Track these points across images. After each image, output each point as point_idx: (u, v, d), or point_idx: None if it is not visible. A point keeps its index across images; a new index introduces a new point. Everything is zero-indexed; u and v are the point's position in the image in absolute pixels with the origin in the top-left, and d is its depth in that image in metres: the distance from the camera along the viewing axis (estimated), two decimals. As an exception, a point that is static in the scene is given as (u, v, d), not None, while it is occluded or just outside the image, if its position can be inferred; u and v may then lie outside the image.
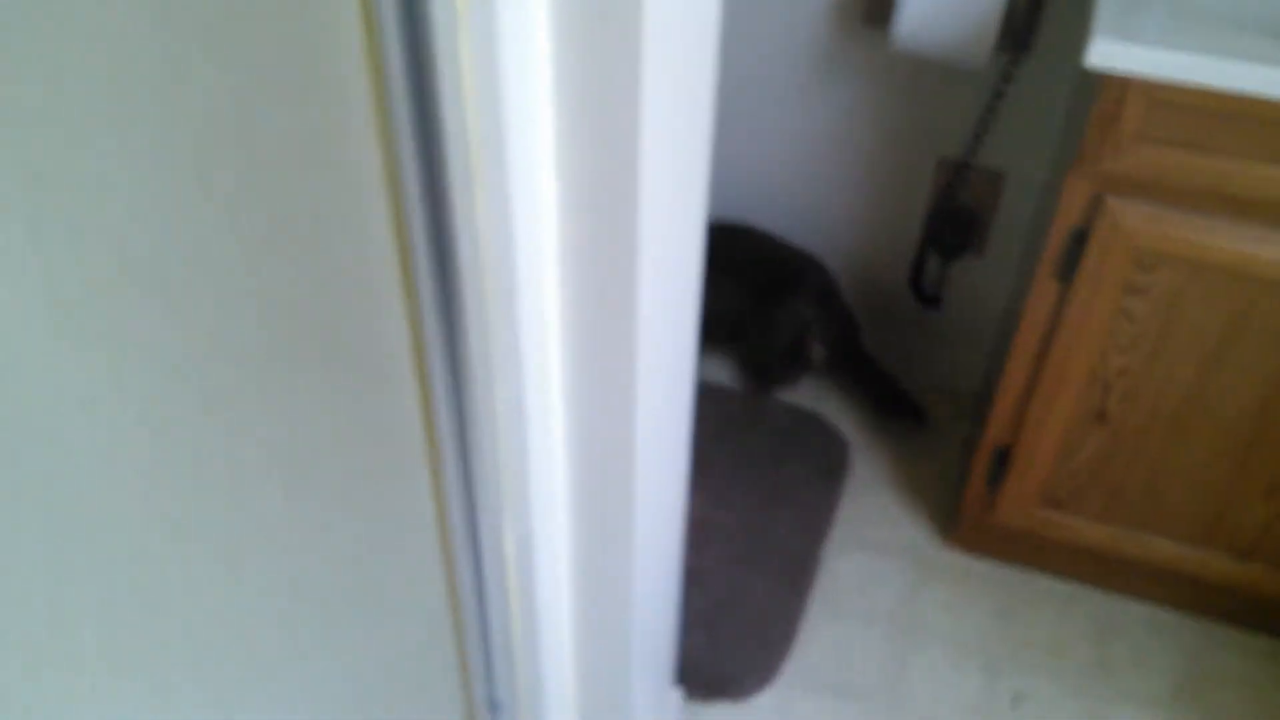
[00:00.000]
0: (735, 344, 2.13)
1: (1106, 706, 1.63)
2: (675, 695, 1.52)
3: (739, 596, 1.73)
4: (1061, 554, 1.74)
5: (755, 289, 2.01)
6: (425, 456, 0.90)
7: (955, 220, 1.88)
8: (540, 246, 0.84)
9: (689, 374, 1.10)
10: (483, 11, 0.67)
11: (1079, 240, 1.37)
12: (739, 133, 1.97)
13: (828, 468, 1.96)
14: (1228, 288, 1.35)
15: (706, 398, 2.08)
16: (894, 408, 2.05)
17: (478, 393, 0.89)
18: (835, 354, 2.06)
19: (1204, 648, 1.71)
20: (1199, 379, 1.43)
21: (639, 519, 1.04)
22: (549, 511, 1.04)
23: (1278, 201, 1.27)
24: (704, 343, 1.92)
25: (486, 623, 1.08)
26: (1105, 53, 1.17)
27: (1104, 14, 1.22)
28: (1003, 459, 1.63)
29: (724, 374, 2.17)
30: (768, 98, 1.90)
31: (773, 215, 2.05)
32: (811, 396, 2.12)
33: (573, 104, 0.76)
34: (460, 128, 0.72)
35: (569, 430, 0.99)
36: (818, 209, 2.00)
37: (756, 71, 1.87)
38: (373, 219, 0.76)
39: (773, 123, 1.92)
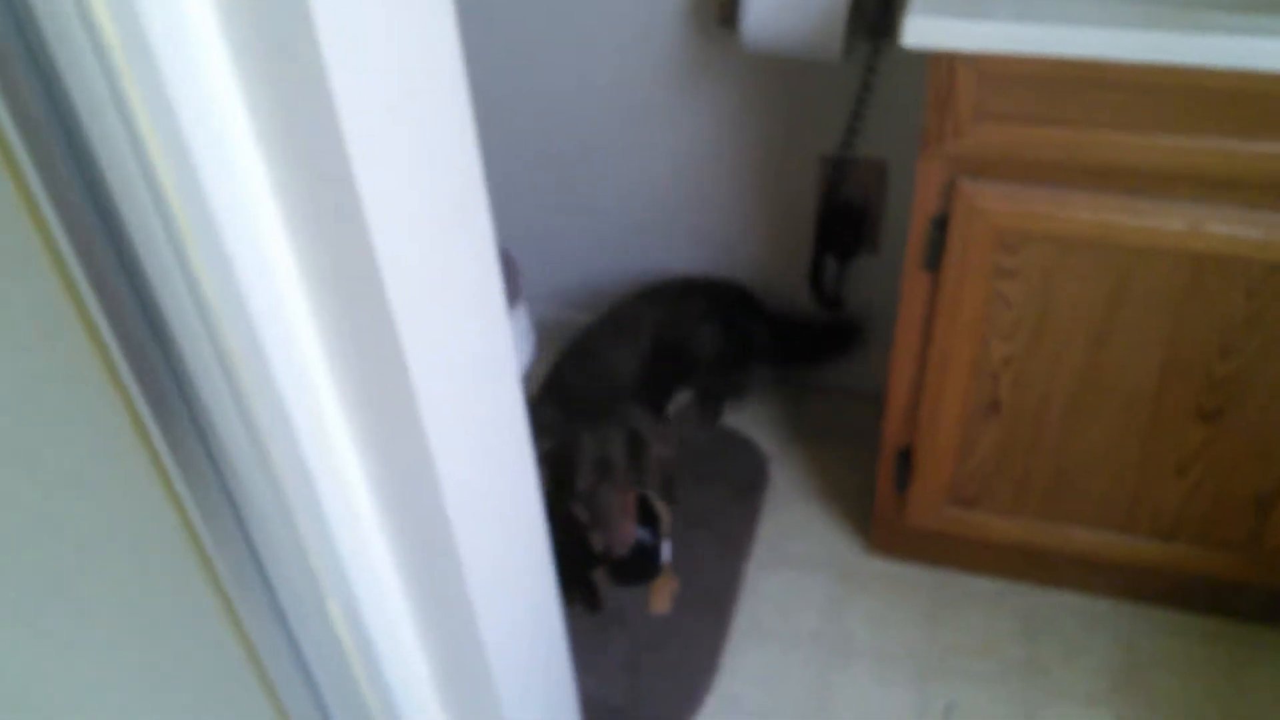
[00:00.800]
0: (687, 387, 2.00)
1: (1042, 708, 1.55)
2: (584, 746, 1.45)
3: (661, 632, 1.66)
4: (983, 551, 1.68)
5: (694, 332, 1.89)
6: (189, 544, 0.83)
7: (846, 218, 1.82)
8: (280, 299, 0.78)
9: (519, 424, 1.04)
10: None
11: (940, 227, 1.31)
12: (608, 158, 1.91)
13: (747, 484, 1.90)
14: (1099, 261, 1.29)
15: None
16: (835, 344, 1.97)
17: (240, 467, 0.82)
18: (775, 359, 2.00)
19: (1138, 634, 1.64)
20: (1088, 358, 1.37)
21: (470, 577, 0.97)
22: (373, 579, 0.97)
23: (1133, 167, 1.21)
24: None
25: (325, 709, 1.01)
26: (921, 30, 1.11)
27: (924, -10, 1.17)
28: (905, 460, 1.57)
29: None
30: (632, 115, 1.84)
31: (661, 243, 1.99)
32: (726, 409, 2.05)
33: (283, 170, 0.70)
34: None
35: (371, 490, 0.92)
36: (708, 227, 1.95)
37: (616, 88, 1.81)
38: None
39: (643, 140, 1.87)
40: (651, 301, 1.87)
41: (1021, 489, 1.53)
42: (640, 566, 1.68)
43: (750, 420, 2.03)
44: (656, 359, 1.81)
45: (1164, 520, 1.50)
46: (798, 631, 1.68)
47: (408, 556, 0.98)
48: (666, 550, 1.67)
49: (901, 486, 1.60)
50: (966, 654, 1.63)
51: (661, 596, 1.67)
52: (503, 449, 1.02)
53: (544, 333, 2.17)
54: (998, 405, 1.45)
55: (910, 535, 1.69)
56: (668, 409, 1.90)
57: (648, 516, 1.62)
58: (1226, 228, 1.21)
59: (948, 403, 1.46)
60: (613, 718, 1.55)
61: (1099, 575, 1.65)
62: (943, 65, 1.17)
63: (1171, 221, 1.23)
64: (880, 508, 1.67)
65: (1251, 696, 1.54)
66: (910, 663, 1.63)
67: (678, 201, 1.93)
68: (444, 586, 0.99)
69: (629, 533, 1.53)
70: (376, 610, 0.99)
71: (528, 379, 1.64)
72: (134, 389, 0.73)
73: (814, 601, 1.72)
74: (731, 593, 1.72)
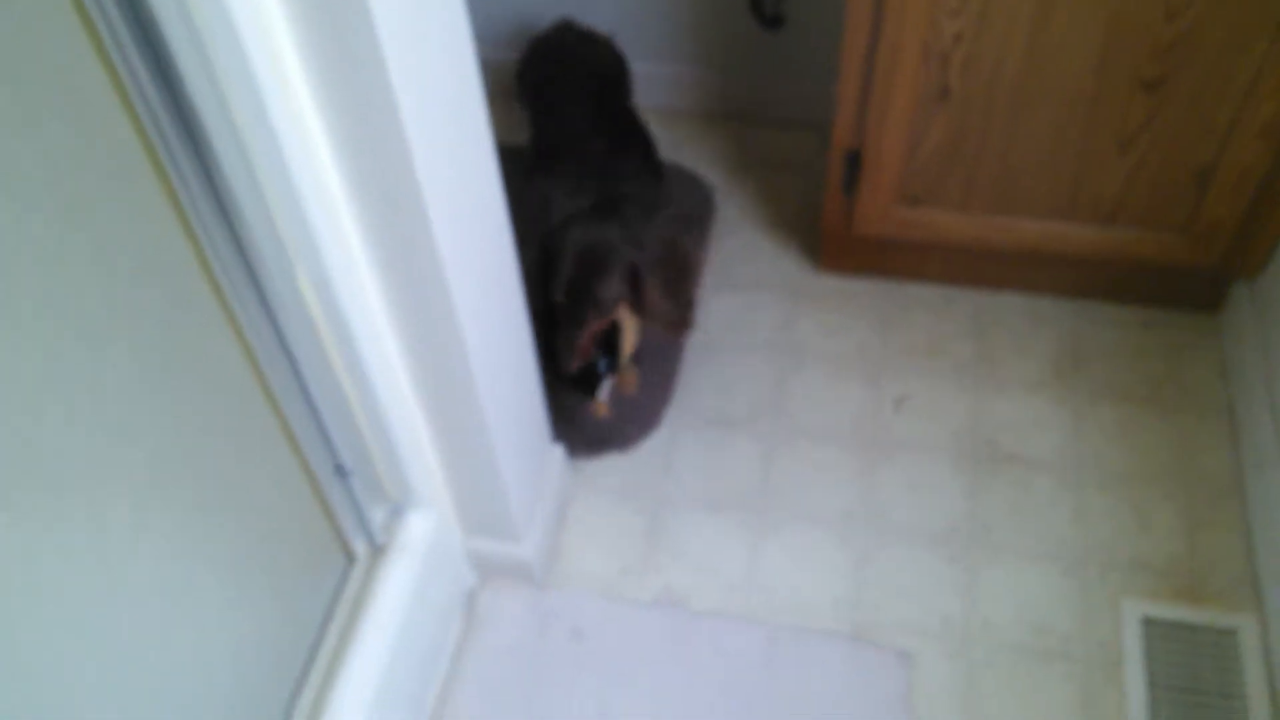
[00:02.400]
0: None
1: (990, 396, 1.62)
2: (557, 452, 1.48)
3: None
4: (933, 258, 1.71)
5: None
6: (164, 197, 0.79)
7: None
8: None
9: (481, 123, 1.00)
10: None
11: (889, -107, 1.27)
12: None
13: (693, 215, 1.89)
14: (1049, -79, 1.26)
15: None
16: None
17: (207, 107, 0.78)
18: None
19: (1080, 326, 1.70)
20: (1035, 30, 1.36)
21: (447, 260, 0.95)
22: (344, 251, 0.95)
23: None
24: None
25: (304, 385, 1.01)
26: None
27: None
28: (854, 163, 1.57)
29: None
30: None
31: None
32: (670, 145, 2.02)
33: None
34: None
35: (340, 158, 0.89)
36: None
37: None
38: None
39: None
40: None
41: (969, 182, 1.54)
42: (581, 381, 1.60)
43: (694, 154, 2.01)
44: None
45: (1105, 203, 1.53)
46: (751, 343, 1.71)
47: (376, 228, 0.96)
48: (604, 390, 1.58)
49: (850, 189, 1.60)
50: (917, 354, 1.68)
51: (627, 382, 1.65)
52: (471, 115, 0.99)
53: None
54: (947, 91, 1.44)
55: (859, 247, 1.71)
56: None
57: (610, 344, 1.52)
58: None
59: (897, 94, 1.45)
60: (574, 431, 1.58)
61: (1043, 272, 1.70)
62: None
63: None
64: (829, 220, 1.68)
65: (1188, 376, 1.62)
66: (862, 364, 1.67)
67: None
68: (415, 258, 0.97)
69: (585, 353, 1.43)
70: (350, 286, 0.98)
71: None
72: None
73: (766, 318, 1.75)
74: (684, 315, 1.74)
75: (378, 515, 1.20)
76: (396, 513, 1.22)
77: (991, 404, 1.61)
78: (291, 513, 1.06)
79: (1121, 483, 1.52)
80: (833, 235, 1.71)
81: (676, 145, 2.02)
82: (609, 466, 1.57)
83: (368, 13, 0.76)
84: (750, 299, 1.77)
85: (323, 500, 1.09)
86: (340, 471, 1.09)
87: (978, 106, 1.45)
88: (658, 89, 2.04)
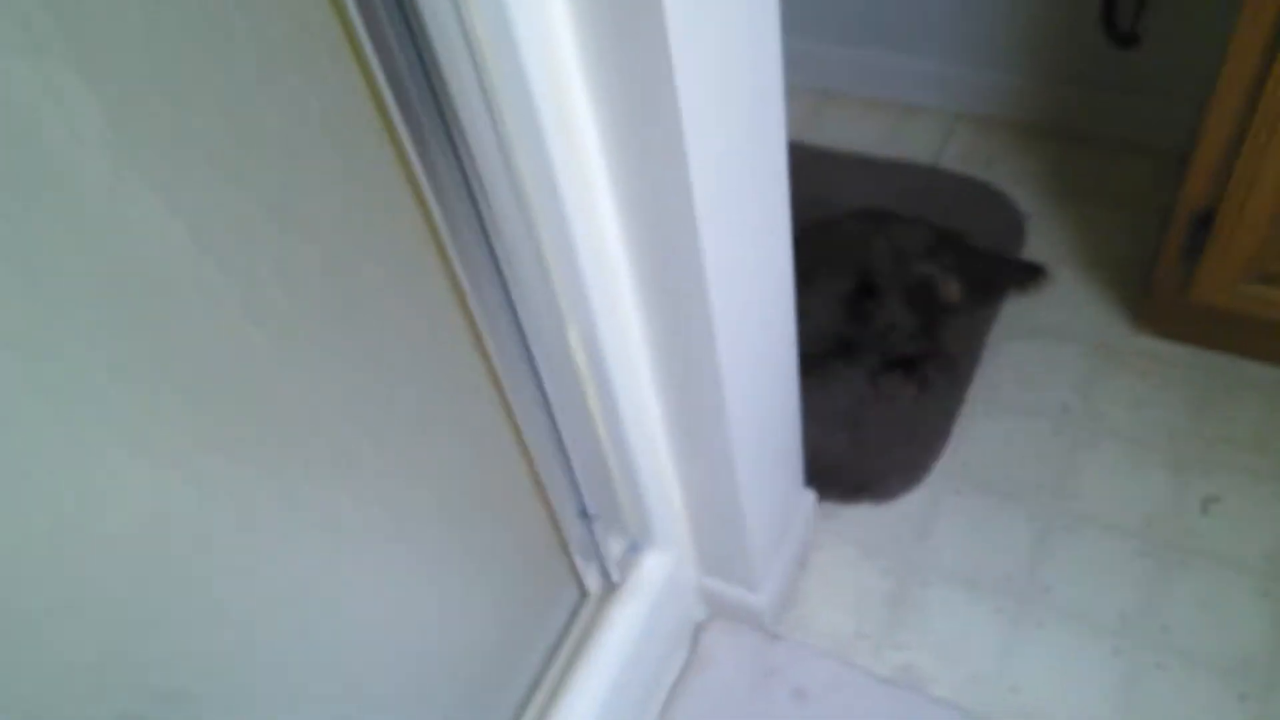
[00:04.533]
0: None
1: (1322, 511, 1.39)
2: (807, 498, 1.39)
3: (887, 392, 1.57)
4: (1274, 337, 1.47)
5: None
6: (433, 253, 0.76)
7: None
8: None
9: (777, 116, 0.91)
10: None
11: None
12: None
13: (1000, 244, 1.72)
14: None
15: (864, 164, 1.86)
16: (1013, 278, 1.66)
17: (489, 168, 0.74)
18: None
19: None
20: None
21: (714, 298, 0.88)
22: (612, 301, 0.90)
23: None
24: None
25: (558, 433, 0.97)
26: None
27: None
28: (1203, 225, 1.35)
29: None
30: None
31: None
32: (982, 162, 1.85)
33: None
34: None
35: (619, 203, 0.83)
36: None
37: None
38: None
39: None
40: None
41: (1346, 267, 1.30)
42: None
43: (1009, 172, 1.82)
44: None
45: None
46: (1042, 404, 1.54)
47: (653, 291, 0.90)
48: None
49: (1193, 256, 1.39)
50: (1236, 446, 1.46)
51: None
52: (761, 173, 0.91)
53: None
54: (1339, 163, 1.21)
55: (1189, 312, 1.49)
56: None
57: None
58: None
59: (1273, 158, 1.23)
60: (831, 474, 1.49)
61: None
62: None
63: None
64: (1160, 277, 1.48)
65: None
66: (1169, 449, 1.47)
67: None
68: (688, 325, 0.91)
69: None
70: (616, 341, 0.93)
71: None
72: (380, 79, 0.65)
73: (1065, 375, 1.57)
74: (972, 359, 1.59)
75: (615, 550, 1.16)
76: (634, 549, 1.19)
77: (1322, 521, 1.38)
78: (530, 549, 1.04)
79: None
80: (1162, 294, 1.50)
81: (990, 160, 1.84)
82: (862, 517, 1.47)
83: (667, 54, 0.69)
84: (1050, 350, 1.60)
85: (562, 540, 1.07)
86: (584, 514, 1.06)
87: (1375, 185, 1.21)
88: (982, 95, 1.86)
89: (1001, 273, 1.61)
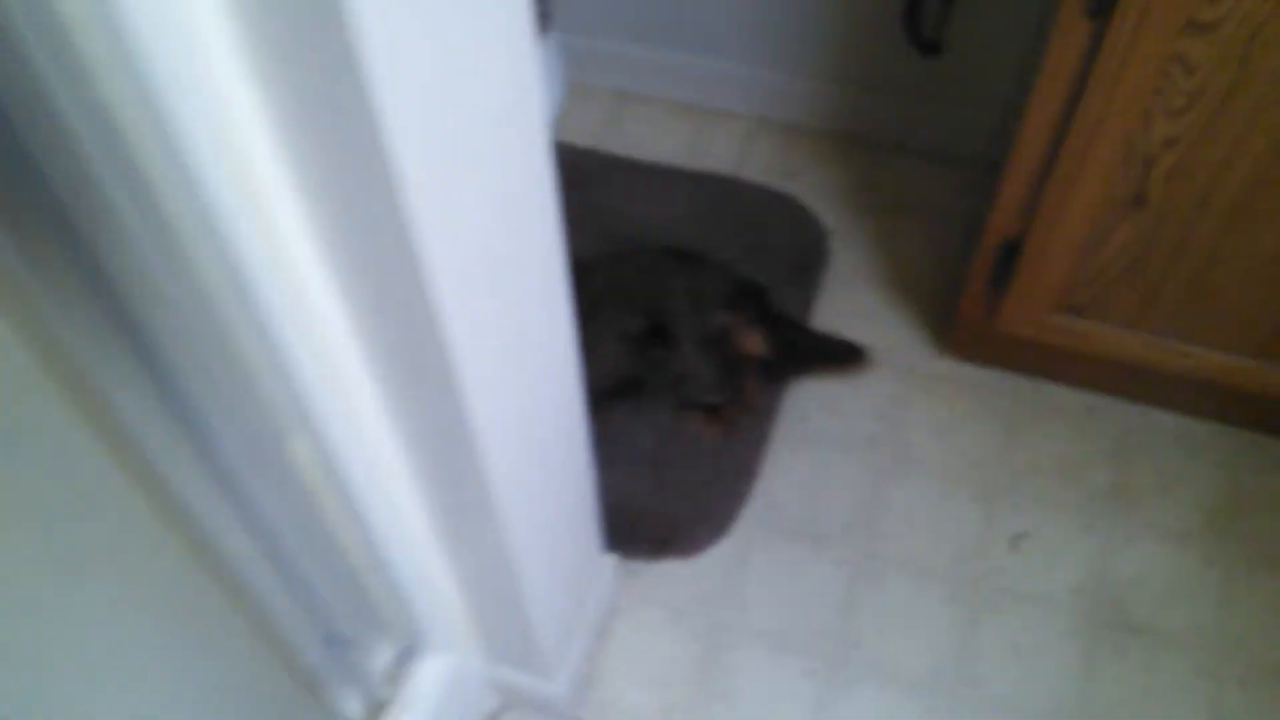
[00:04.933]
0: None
1: (1123, 543, 1.36)
2: (606, 564, 1.26)
3: (690, 433, 1.45)
4: (1081, 363, 1.43)
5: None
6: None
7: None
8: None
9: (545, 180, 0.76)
10: None
11: (1122, -41, 0.97)
12: None
13: (801, 262, 1.63)
14: (1330, 20, 0.96)
15: (663, 174, 1.73)
16: (832, 359, 1.53)
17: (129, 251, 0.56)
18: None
19: (1245, 466, 1.42)
20: (1276, 150, 1.07)
21: (466, 377, 0.72)
22: (343, 398, 0.73)
23: None
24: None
25: (285, 559, 0.79)
26: None
27: None
28: (1010, 254, 1.29)
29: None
30: None
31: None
32: (785, 172, 1.75)
33: None
34: None
35: (342, 290, 0.66)
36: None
37: None
38: None
39: None
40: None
41: (1149, 300, 1.26)
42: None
43: (813, 184, 1.73)
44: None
45: (1314, 347, 1.25)
46: (849, 435, 1.46)
47: (393, 382, 0.74)
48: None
49: (1000, 285, 1.33)
50: (1045, 475, 1.42)
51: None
52: (524, 200, 0.74)
53: (578, 67, 1.84)
54: (1144, 198, 1.15)
55: (995, 339, 1.44)
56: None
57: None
58: None
59: (1081, 190, 1.16)
60: (635, 527, 1.36)
61: (1211, 398, 1.42)
62: None
63: None
64: (966, 306, 1.41)
65: (1368, 548, 1.35)
66: (978, 479, 1.42)
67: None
68: (436, 412, 0.75)
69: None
70: (353, 442, 0.76)
71: (553, 126, 1.34)
72: None
73: (870, 402, 1.50)
74: (771, 400, 1.49)
75: (382, 662, 1.00)
76: (407, 657, 1.03)
77: (1124, 553, 1.36)
78: (259, 694, 0.86)
79: (1273, 679, 1.26)
80: (967, 322, 1.44)
81: (793, 171, 1.75)
82: (668, 574, 1.35)
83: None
84: (856, 377, 1.52)
85: (307, 674, 0.89)
86: (331, 641, 0.89)
87: (1177, 220, 1.16)
88: (785, 101, 1.76)
89: (814, 347, 1.50)
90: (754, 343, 1.39)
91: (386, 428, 0.79)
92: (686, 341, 1.32)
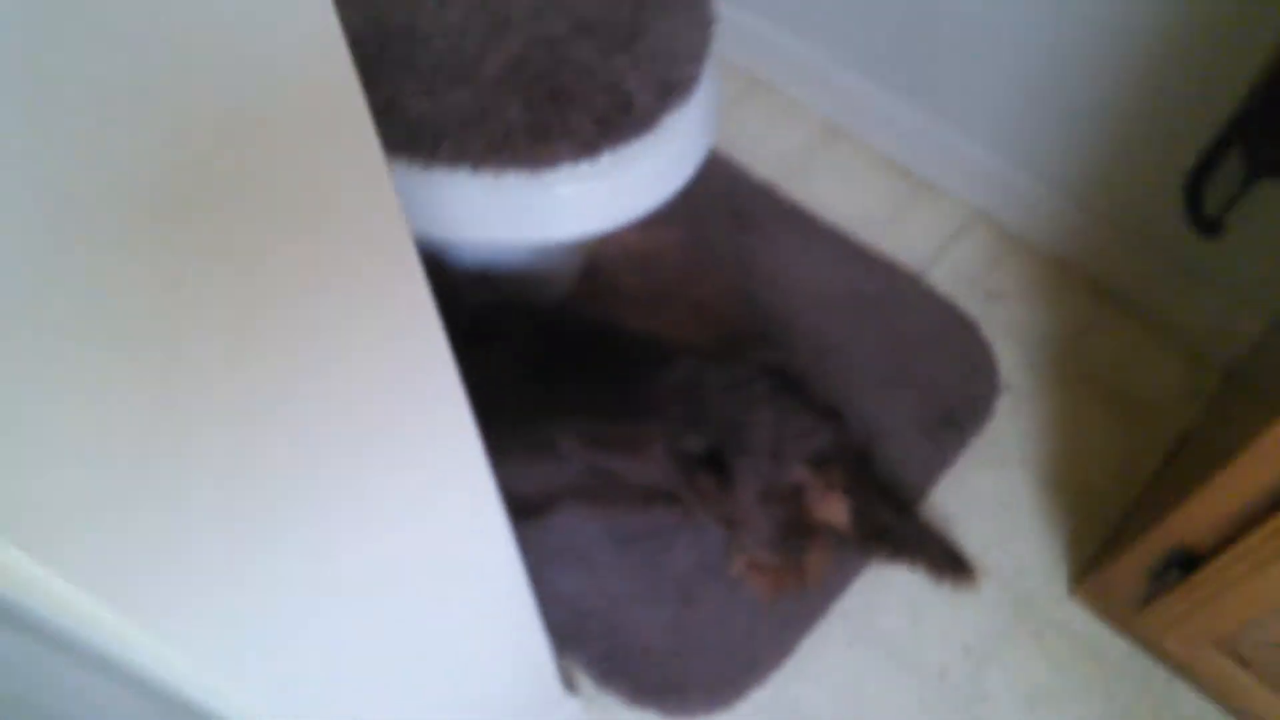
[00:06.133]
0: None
1: None
2: (568, 709, 1.08)
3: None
4: (1226, 681, 1.11)
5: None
6: None
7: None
8: None
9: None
10: None
11: None
12: None
13: (953, 416, 1.34)
14: None
15: (835, 241, 1.45)
16: (929, 563, 1.23)
17: None
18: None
19: None
20: None
21: None
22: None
23: None
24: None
25: None
26: None
27: None
28: (1181, 564, 0.98)
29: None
30: None
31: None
32: (982, 290, 1.43)
33: None
34: None
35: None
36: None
37: None
38: None
39: None
40: None
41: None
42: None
43: (1004, 320, 1.41)
44: None
45: None
46: (920, 654, 1.21)
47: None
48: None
49: (1155, 585, 1.02)
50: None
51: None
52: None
53: (791, 76, 1.55)
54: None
55: (1137, 611, 1.13)
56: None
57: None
58: None
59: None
60: (632, 658, 1.18)
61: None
62: None
63: None
64: (1113, 576, 1.11)
65: None
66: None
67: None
68: None
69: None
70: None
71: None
72: None
73: (962, 625, 1.22)
74: (844, 574, 1.24)
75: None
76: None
77: None
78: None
79: None
80: (1112, 581, 1.14)
81: (994, 292, 1.43)
82: (638, 736, 1.17)
83: None
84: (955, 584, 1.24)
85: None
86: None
87: None
88: (1016, 201, 1.43)
89: (911, 541, 1.22)
90: (833, 512, 1.14)
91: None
92: (747, 490, 1.08)
